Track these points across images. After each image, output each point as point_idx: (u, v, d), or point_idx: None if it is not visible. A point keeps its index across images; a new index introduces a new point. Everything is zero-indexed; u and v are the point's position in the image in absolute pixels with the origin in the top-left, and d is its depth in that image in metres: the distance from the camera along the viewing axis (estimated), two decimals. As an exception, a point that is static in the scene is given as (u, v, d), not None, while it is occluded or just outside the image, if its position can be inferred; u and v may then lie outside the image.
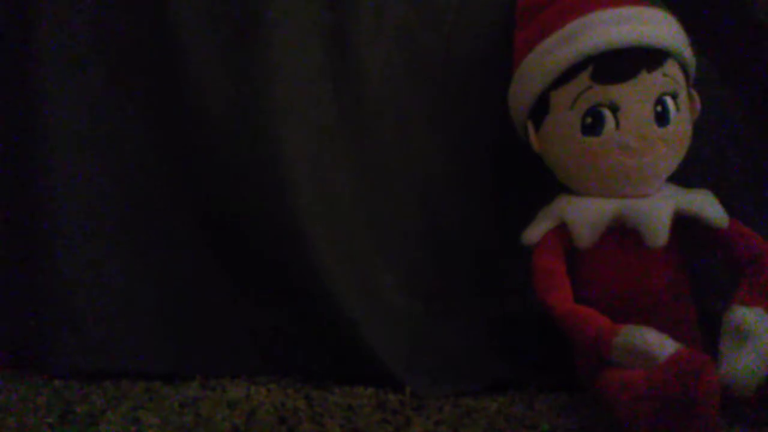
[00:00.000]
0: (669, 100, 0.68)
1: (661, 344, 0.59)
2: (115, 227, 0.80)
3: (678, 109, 0.69)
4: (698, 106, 0.71)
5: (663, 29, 0.69)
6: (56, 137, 0.79)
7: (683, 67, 0.70)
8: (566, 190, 0.73)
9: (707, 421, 0.53)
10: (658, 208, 0.67)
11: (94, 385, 0.76)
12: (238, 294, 0.80)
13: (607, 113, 0.68)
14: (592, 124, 0.69)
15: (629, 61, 0.68)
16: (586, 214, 0.69)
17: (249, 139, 0.77)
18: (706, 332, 0.67)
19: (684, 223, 0.69)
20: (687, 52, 0.70)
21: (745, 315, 0.62)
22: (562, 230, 0.70)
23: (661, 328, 0.61)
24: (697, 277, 0.72)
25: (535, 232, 0.71)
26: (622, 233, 0.69)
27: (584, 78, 0.68)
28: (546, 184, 0.74)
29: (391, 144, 0.81)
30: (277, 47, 0.76)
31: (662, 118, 0.68)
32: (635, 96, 0.67)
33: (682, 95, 0.70)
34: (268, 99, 0.76)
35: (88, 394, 0.74)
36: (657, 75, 0.68)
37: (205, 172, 0.80)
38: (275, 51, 0.76)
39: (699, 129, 0.72)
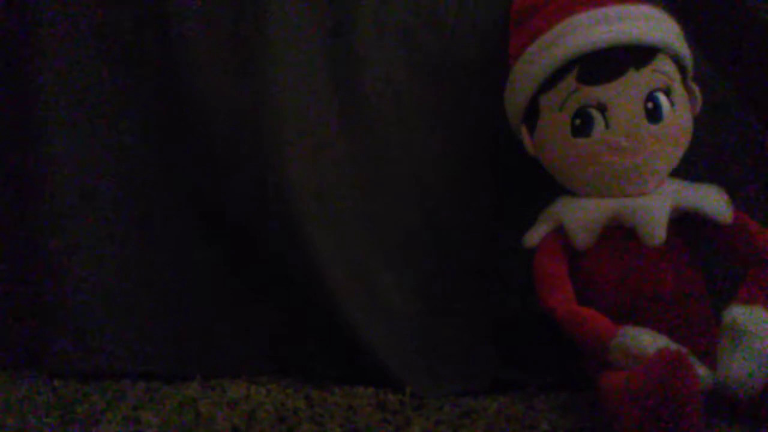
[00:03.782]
0: (661, 96, 0.68)
1: (654, 345, 0.58)
2: (115, 227, 0.80)
3: (673, 104, 0.68)
4: (699, 99, 0.71)
5: (650, 25, 0.68)
6: (57, 137, 0.79)
7: (677, 61, 0.70)
8: (566, 191, 0.73)
9: (690, 420, 0.53)
10: (655, 206, 0.67)
11: (94, 385, 0.76)
12: (238, 294, 0.80)
13: (596, 113, 0.68)
14: (582, 125, 0.68)
15: (615, 61, 0.67)
16: (581, 214, 0.69)
17: (249, 140, 0.77)
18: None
19: (688, 220, 0.68)
20: (680, 46, 0.70)
21: (740, 314, 0.61)
22: (562, 232, 0.70)
23: (671, 328, 0.61)
24: (707, 276, 0.71)
25: (535, 234, 0.71)
26: (622, 233, 0.68)
27: (571, 80, 0.68)
28: (547, 184, 0.73)
29: (391, 144, 0.81)
30: (277, 49, 0.77)
31: (654, 115, 0.68)
32: (623, 95, 0.67)
33: (678, 90, 0.69)
34: (269, 100, 0.76)
35: (88, 394, 0.74)
36: (646, 72, 0.67)
37: (205, 173, 0.80)
38: (276, 52, 0.76)
39: (700, 124, 0.72)
